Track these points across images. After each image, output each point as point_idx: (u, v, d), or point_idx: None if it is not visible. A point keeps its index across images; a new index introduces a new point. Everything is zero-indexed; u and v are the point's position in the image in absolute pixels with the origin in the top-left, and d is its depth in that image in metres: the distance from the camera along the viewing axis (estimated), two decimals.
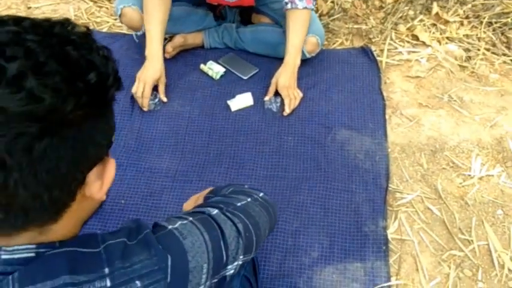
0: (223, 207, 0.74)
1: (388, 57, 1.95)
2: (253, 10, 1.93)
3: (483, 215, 1.44)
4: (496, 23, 2.07)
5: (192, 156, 1.58)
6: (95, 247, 0.54)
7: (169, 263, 0.56)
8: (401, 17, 2.13)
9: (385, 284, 1.27)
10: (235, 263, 0.70)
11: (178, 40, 1.89)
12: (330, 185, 1.49)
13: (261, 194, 0.90)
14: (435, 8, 2.11)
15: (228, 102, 1.73)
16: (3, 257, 0.49)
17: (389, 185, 1.50)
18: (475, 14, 2.12)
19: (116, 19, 2.13)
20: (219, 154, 1.59)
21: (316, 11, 2.11)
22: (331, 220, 1.41)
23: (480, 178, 1.53)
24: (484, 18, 2.09)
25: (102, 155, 0.53)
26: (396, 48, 1.99)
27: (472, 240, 1.38)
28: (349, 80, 1.84)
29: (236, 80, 1.83)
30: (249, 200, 0.84)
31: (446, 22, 2.08)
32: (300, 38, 1.68)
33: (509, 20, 2.07)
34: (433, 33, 2.05)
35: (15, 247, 0.49)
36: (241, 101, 1.72)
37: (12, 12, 2.19)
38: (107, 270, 0.52)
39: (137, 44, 1.93)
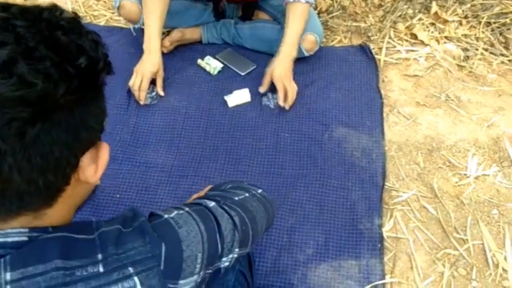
0: (220, 201, 0.75)
1: (387, 56, 1.95)
2: (256, 6, 1.92)
3: (478, 215, 1.44)
4: (494, 23, 2.07)
5: (188, 152, 1.58)
6: (89, 233, 0.54)
7: (163, 250, 0.56)
8: (400, 16, 2.12)
9: (380, 282, 1.27)
10: (231, 256, 0.69)
11: (176, 34, 1.88)
12: (326, 182, 1.49)
13: (260, 191, 0.90)
14: (434, 7, 2.11)
15: (225, 98, 1.72)
16: None
17: (386, 183, 1.50)
18: (474, 13, 2.12)
19: (113, 12, 2.12)
20: (215, 150, 1.58)
21: (315, 8, 2.10)
22: (327, 217, 1.41)
23: (476, 178, 1.53)
24: (483, 18, 2.09)
25: (94, 139, 0.53)
26: (395, 46, 1.99)
27: (467, 240, 1.38)
28: (347, 77, 1.83)
29: (233, 76, 1.82)
30: (247, 195, 0.84)
31: (445, 21, 2.08)
32: (297, 29, 1.67)
33: (507, 20, 2.07)
34: (432, 32, 2.04)
35: (8, 230, 0.49)
36: (239, 97, 1.72)
37: None
38: (100, 256, 0.52)
39: (135, 38, 1.92)
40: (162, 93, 1.72)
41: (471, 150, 1.61)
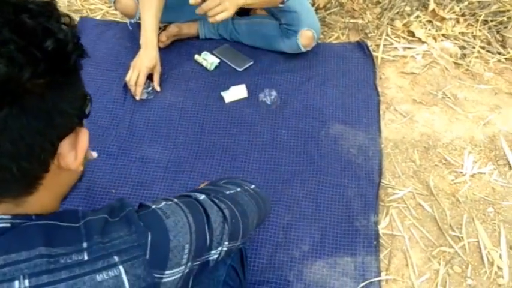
0: (211, 194, 0.75)
1: (384, 53, 1.94)
2: None
3: (474, 213, 1.45)
4: (491, 21, 2.07)
5: (185, 147, 1.57)
6: (74, 222, 0.54)
7: (149, 240, 0.56)
8: (397, 13, 2.12)
9: (375, 279, 1.28)
10: (220, 248, 0.69)
11: (173, 29, 1.87)
12: (322, 179, 1.48)
13: (253, 186, 0.90)
14: (432, 5, 2.11)
15: (222, 93, 1.71)
16: None
17: (382, 181, 1.50)
18: (471, 11, 2.12)
19: (110, 6, 2.10)
20: (212, 146, 1.58)
21: (313, 5, 2.10)
22: (323, 214, 1.41)
23: (472, 176, 1.53)
24: (480, 16, 2.08)
25: (72, 124, 0.52)
26: (392, 44, 1.99)
27: (462, 237, 1.39)
28: (344, 74, 1.83)
29: (230, 72, 1.82)
30: (238, 189, 0.84)
31: (443, 19, 2.08)
32: None
33: (505, 18, 2.07)
34: (429, 29, 2.04)
35: None
36: (235, 92, 1.71)
37: None
38: (85, 244, 0.52)
39: (131, 32, 1.90)
40: (158, 88, 1.71)
41: (467, 148, 1.61)
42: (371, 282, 1.27)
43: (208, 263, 0.69)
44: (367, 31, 2.04)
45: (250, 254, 1.30)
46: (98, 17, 2.08)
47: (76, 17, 2.06)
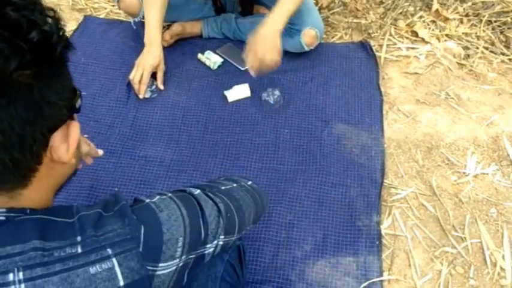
0: (206, 189, 0.75)
1: (387, 53, 1.94)
2: (255, 1, 1.91)
3: (477, 213, 1.44)
4: (495, 21, 2.07)
5: (187, 146, 1.57)
6: (69, 217, 0.55)
7: (142, 233, 0.57)
8: (401, 13, 2.12)
9: (377, 279, 1.27)
10: (215, 242, 0.70)
11: (176, 28, 1.87)
12: (325, 178, 1.48)
13: (250, 182, 0.91)
14: (435, 5, 2.10)
15: (225, 92, 1.71)
16: None
17: (384, 181, 1.50)
18: (475, 12, 2.12)
19: (113, 5, 2.11)
20: (215, 145, 1.58)
21: (316, 4, 2.10)
22: (325, 214, 1.41)
23: (475, 176, 1.53)
24: (484, 16, 2.08)
25: (61, 116, 0.53)
26: (395, 44, 1.99)
27: (465, 238, 1.38)
28: (347, 74, 1.83)
29: (234, 71, 1.82)
30: (234, 185, 0.85)
31: (446, 19, 2.08)
32: (291, 5, 1.53)
33: (508, 19, 2.06)
34: (433, 30, 2.04)
35: None
36: (239, 92, 1.71)
37: None
38: (79, 238, 0.52)
39: (135, 31, 1.91)
40: (162, 87, 1.71)
41: (470, 148, 1.61)
42: (373, 282, 1.27)
43: (204, 257, 0.69)
44: (370, 31, 2.04)
45: (252, 253, 1.31)
46: (102, 16, 2.08)
47: (80, 16, 2.06)
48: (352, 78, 1.81)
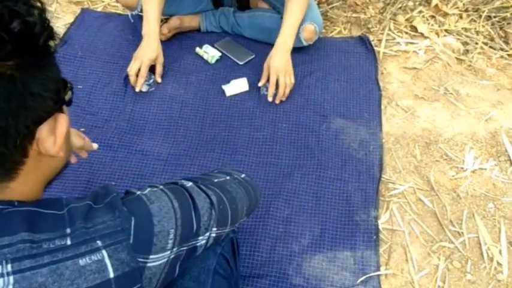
0: (198, 181, 0.75)
1: (386, 48, 1.93)
2: None
3: (474, 208, 1.44)
4: (495, 17, 2.06)
5: (185, 140, 1.57)
6: (58, 209, 0.54)
7: (132, 224, 0.56)
8: (400, 8, 2.11)
9: (375, 274, 1.27)
10: (207, 234, 0.70)
11: (174, 22, 1.86)
12: (323, 173, 1.48)
13: (243, 175, 0.91)
14: (435, 0, 2.10)
15: (223, 87, 1.71)
16: None
17: (382, 176, 1.49)
18: (475, 7, 2.11)
19: None
20: (212, 139, 1.57)
21: None
22: (323, 208, 1.41)
23: (473, 171, 1.53)
24: (483, 12, 2.07)
25: (47, 108, 0.52)
26: (394, 38, 1.98)
27: (462, 233, 1.38)
28: (345, 69, 1.82)
29: (232, 65, 1.81)
30: (227, 178, 0.84)
31: (445, 14, 2.07)
32: (295, 19, 1.64)
33: (508, 14, 2.06)
34: (432, 25, 2.03)
35: None
36: (237, 86, 1.70)
37: None
38: (68, 230, 0.52)
39: (133, 25, 1.90)
40: (159, 80, 1.70)
41: (468, 144, 1.60)
42: (370, 277, 1.27)
43: (196, 249, 0.69)
44: (369, 26, 2.03)
45: (250, 247, 1.30)
46: (99, 9, 2.07)
47: (77, 9, 2.05)
48: (351, 73, 1.80)
